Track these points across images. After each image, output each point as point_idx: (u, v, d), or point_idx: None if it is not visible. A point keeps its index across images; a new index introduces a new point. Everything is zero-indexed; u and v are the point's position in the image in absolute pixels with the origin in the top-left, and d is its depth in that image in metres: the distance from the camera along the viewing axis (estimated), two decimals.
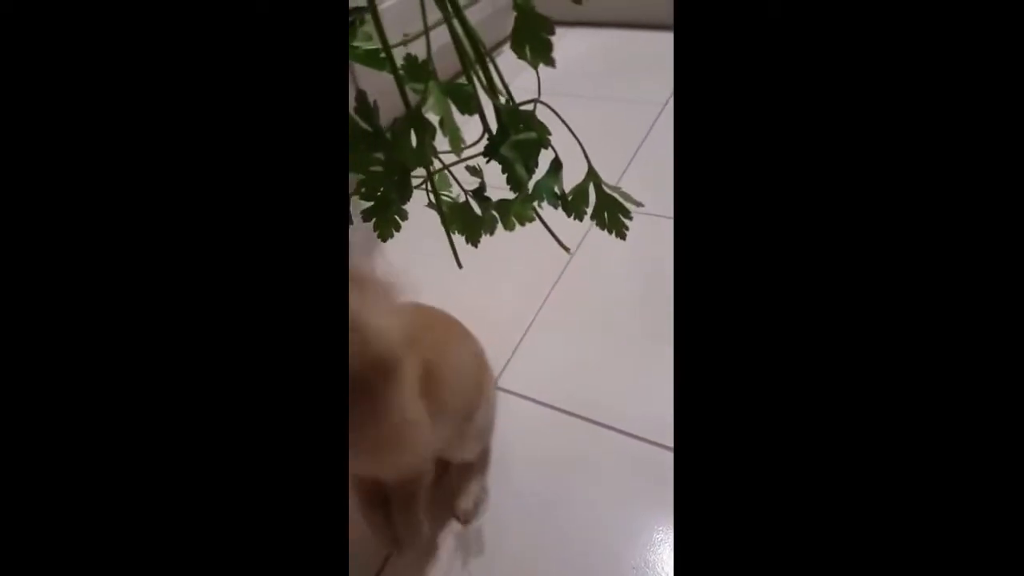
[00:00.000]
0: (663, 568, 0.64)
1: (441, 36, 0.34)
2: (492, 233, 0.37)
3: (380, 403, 0.38)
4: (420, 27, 0.34)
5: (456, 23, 0.32)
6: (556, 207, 0.36)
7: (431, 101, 0.32)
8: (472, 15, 0.33)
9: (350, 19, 0.35)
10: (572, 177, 0.37)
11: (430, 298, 0.61)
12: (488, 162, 0.34)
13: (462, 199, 0.39)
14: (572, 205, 0.33)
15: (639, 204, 0.33)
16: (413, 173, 0.35)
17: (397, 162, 0.35)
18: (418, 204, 0.38)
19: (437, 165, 0.38)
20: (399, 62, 0.33)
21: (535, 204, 0.36)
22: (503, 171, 0.33)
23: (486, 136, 0.34)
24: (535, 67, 0.33)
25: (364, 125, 0.34)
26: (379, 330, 0.35)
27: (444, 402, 0.47)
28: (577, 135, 0.36)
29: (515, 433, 0.80)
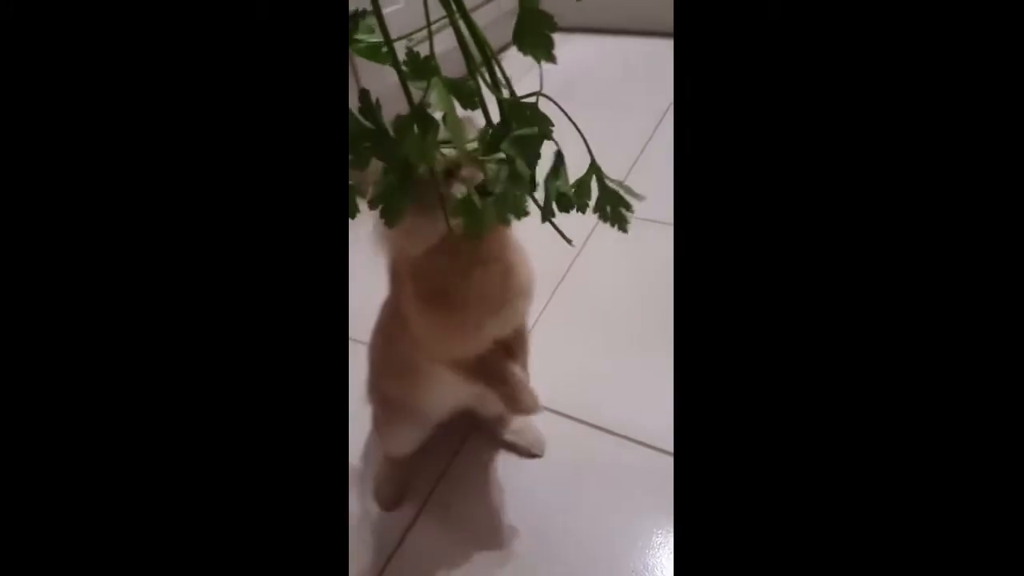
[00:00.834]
0: (663, 572, 0.64)
1: (446, 39, 0.34)
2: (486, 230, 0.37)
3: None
4: (425, 27, 0.34)
5: (461, 24, 0.33)
6: (567, 211, 0.36)
7: (434, 97, 0.32)
8: (478, 19, 0.33)
9: (355, 12, 0.35)
10: (575, 172, 0.38)
11: None
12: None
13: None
14: (575, 198, 0.34)
15: (641, 197, 0.34)
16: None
17: (401, 158, 0.35)
18: None
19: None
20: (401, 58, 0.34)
21: (532, 197, 0.36)
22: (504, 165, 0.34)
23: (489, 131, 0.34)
24: (538, 62, 0.33)
25: (366, 123, 0.34)
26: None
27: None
28: (579, 139, 0.37)
29: None
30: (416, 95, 0.34)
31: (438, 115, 0.34)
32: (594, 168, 0.32)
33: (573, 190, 0.34)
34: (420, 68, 0.35)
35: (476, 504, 0.73)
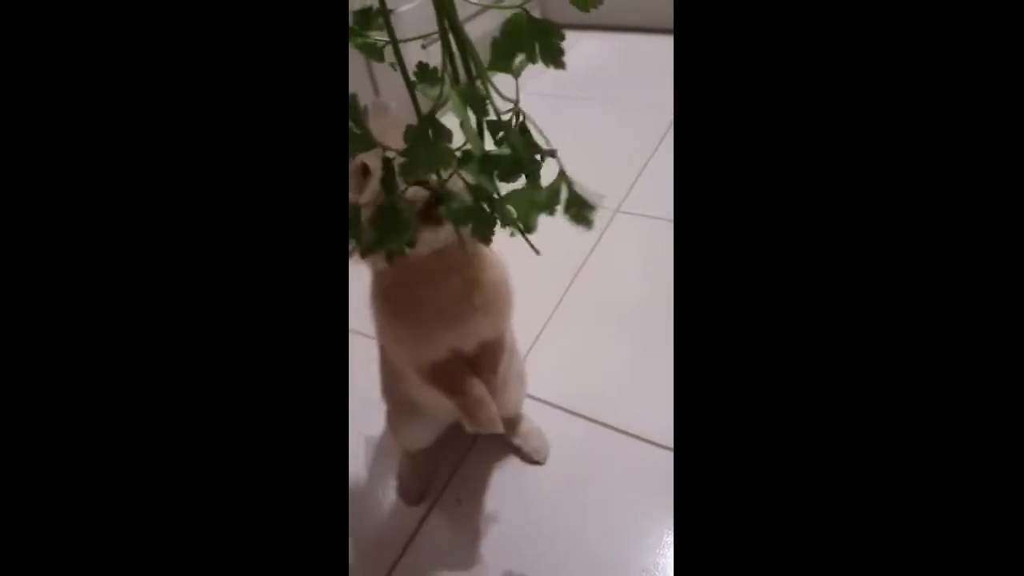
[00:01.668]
0: (672, 571, 0.65)
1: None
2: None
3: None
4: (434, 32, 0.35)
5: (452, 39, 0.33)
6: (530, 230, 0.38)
7: (449, 105, 0.33)
8: (484, 22, 0.34)
9: (368, 9, 0.36)
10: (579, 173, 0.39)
11: None
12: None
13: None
14: (545, 204, 0.36)
15: (602, 196, 0.37)
16: None
17: (414, 167, 0.36)
18: None
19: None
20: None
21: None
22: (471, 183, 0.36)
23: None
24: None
25: (356, 129, 0.35)
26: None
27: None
28: (591, 137, 0.37)
29: None
30: (423, 102, 0.35)
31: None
32: (563, 176, 0.35)
33: (544, 196, 0.36)
34: (430, 78, 0.36)
35: (487, 499, 0.74)
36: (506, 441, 0.78)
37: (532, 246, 0.38)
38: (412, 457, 0.76)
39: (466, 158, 0.36)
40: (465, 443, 0.80)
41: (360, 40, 0.33)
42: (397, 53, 0.34)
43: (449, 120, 0.35)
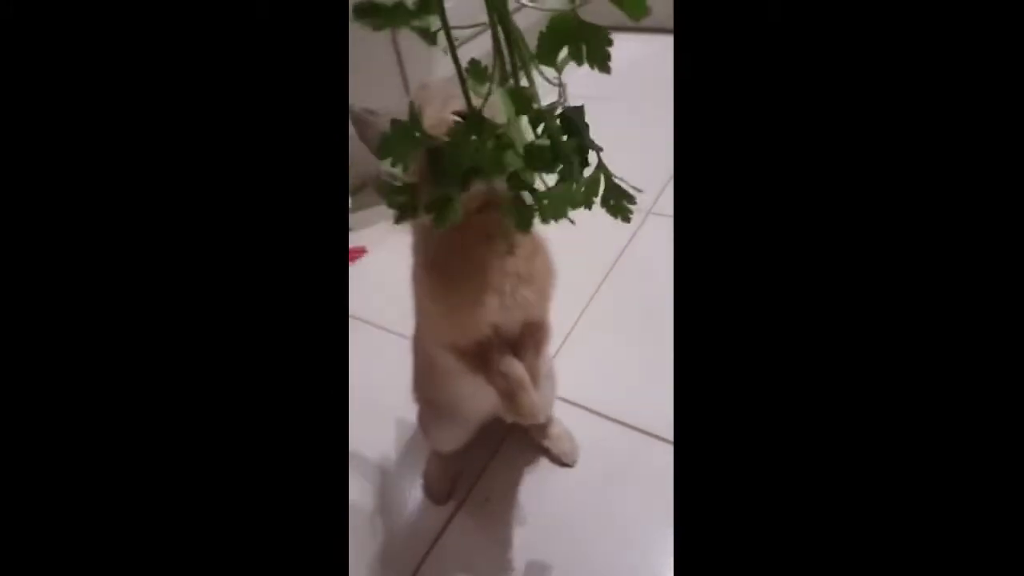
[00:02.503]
0: None
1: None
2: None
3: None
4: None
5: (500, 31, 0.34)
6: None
7: (496, 104, 0.34)
8: (528, 14, 0.34)
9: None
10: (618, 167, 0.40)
11: None
12: None
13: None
14: (584, 195, 0.37)
15: (639, 191, 0.38)
16: None
17: (459, 162, 0.36)
18: None
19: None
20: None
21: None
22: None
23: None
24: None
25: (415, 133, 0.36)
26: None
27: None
28: (624, 138, 0.38)
29: None
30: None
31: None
32: (602, 167, 0.35)
33: (583, 188, 0.37)
34: (480, 75, 0.36)
35: (515, 499, 0.74)
36: (535, 443, 0.79)
37: (570, 219, 0.39)
38: (441, 458, 0.77)
39: (506, 144, 0.36)
40: (493, 443, 0.80)
41: (416, 24, 0.34)
42: (449, 39, 0.34)
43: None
